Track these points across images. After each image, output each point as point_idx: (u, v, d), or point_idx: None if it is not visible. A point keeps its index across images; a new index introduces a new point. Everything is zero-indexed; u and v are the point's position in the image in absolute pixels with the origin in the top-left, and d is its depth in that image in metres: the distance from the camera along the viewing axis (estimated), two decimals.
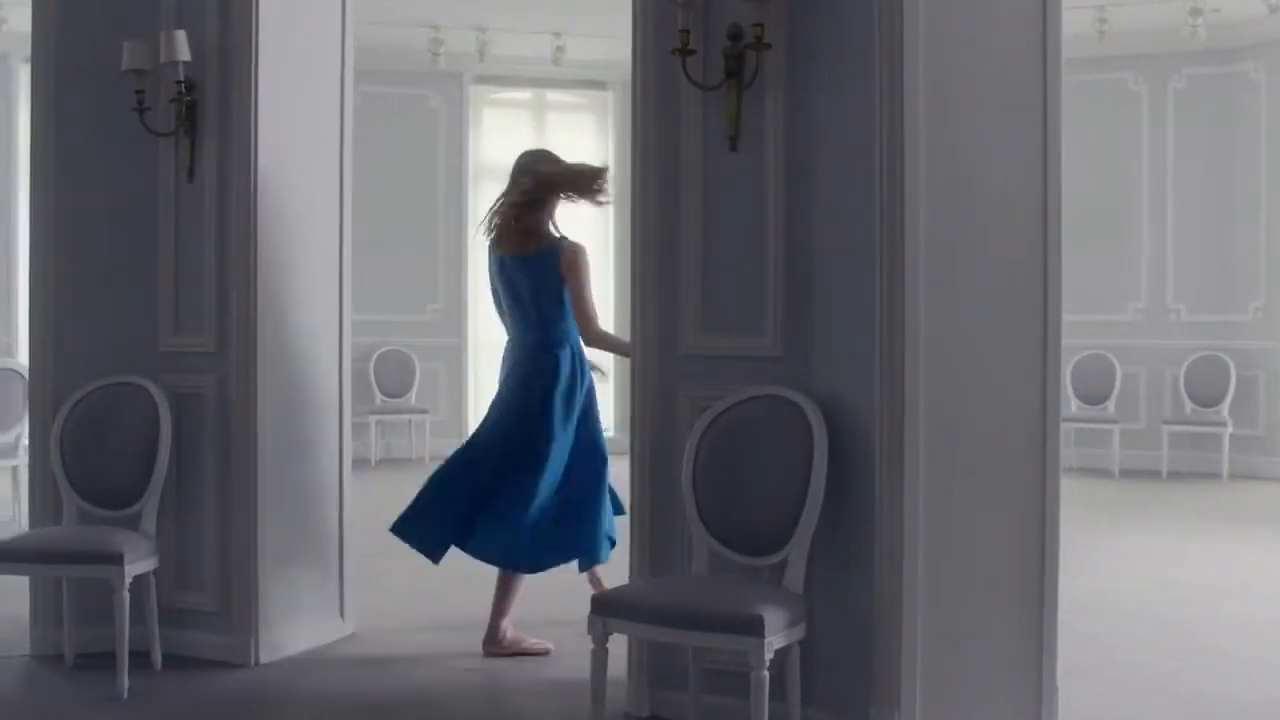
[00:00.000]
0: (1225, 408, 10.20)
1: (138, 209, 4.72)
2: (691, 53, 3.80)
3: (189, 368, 4.68)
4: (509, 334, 4.92)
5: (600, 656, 3.46)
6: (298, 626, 4.75)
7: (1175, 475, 10.14)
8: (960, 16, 3.56)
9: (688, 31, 3.79)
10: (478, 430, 4.88)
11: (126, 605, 4.16)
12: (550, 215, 4.76)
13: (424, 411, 11.04)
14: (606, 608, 3.46)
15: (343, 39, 4.98)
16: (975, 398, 3.61)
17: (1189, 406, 10.38)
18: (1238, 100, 10.38)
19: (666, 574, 3.92)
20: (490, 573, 4.87)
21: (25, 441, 7.31)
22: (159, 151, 4.70)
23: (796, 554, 3.57)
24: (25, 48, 10.23)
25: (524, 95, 11.99)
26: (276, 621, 4.64)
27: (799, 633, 3.45)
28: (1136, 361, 10.62)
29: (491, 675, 4.50)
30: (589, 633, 3.47)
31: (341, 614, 4.99)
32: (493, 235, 4.75)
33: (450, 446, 11.76)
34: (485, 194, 11.87)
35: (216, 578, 4.63)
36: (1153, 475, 10.18)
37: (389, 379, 11.19)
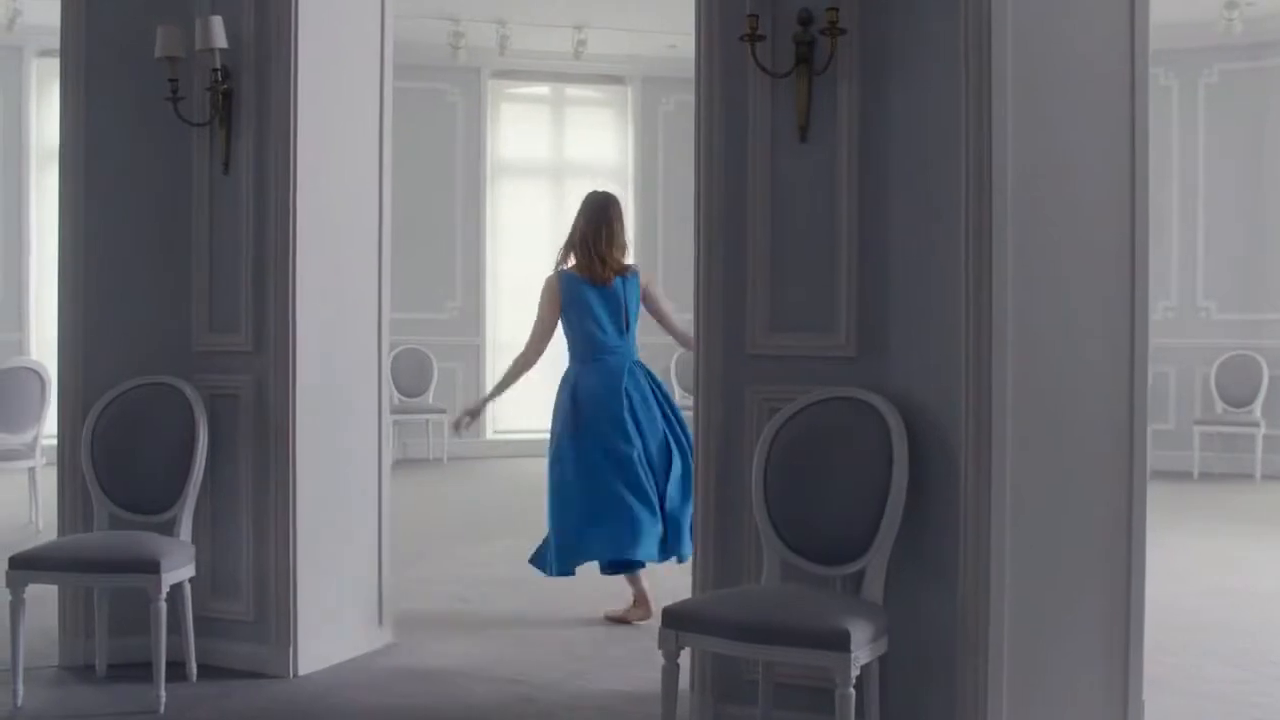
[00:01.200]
0: (1257, 408, 10.03)
1: (170, 202, 4.55)
2: (761, 38, 3.63)
3: (224, 367, 4.50)
4: (593, 352, 5.25)
5: (671, 672, 3.28)
6: (336, 636, 4.58)
7: (1206, 477, 9.97)
8: (1044, 2, 3.40)
9: (756, 16, 3.61)
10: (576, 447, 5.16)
11: (164, 615, 3.99)
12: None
13: (441, 411, 10.86)
14: (679, 620, 3.28)
15: (382, 28, 4.81)
16: (1061, 401, 3.45)
17: (1220, 407, 10.21)
18: (1270, 96, 10.21)
19: (733, 584, 3.74)
20: (520, 576, 4.93)
21: (43, 443, 7.17)
22: (193, 142, 4.52)
23: (876, 564, 3.40)
24: (39, 41, 10.16)
25: (542, 90, 11.82)
26: (315, 631, 4.46)
27: (881, 647, 3.28)
28: (1167, 361, 10.44)
29: (539, 687, 4.32)
30: (660, 647, 3.29)
31: (380, 622, 4.82)
32: (579, 264, 5.20)
33: (468, 447, 11.60)
34: (503, 191, 11.73)
35: (253, 585, 4.45)
36: (1184, 476, 10.01)
37: (406, 378, 11.01)
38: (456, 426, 5.63)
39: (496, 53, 10.74)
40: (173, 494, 4.32)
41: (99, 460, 4.38)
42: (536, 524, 5.63)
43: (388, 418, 4.87)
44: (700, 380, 3.82)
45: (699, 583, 3.83)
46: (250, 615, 4.45)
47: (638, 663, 4.62)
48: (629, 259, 5.34)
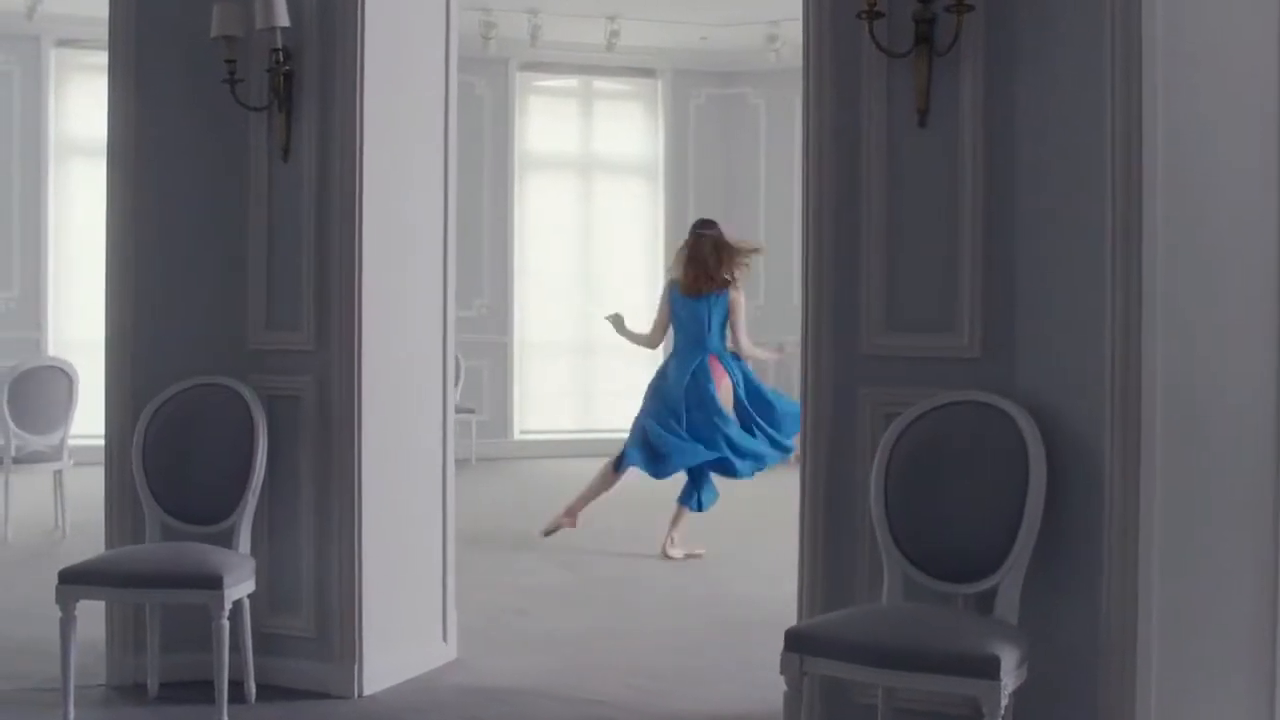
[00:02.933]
0: None
1: (225, 191, 4.27)
2: (879, 15, 3.36)
3: (283, 367, 4.23)
4: (676, 346, 6.71)
5: (795, 700, 3.03)
6: (401, 653, 4.31)
7: None
8: None
9: None
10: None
11: (226, 633, 3.73)
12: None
13: (470, 411, 10.57)
14: (804, 643, 3.02)
15: (447, 11, 4.55)
16: (1210, 410, 3.18)
17: None
18: None
19: (843, 600, 3.48)
20: (575, 587, 5.67)
21: (70, 444, 6.90)
22: (250, 127, 4.25)
23: (1010, 581, 3.14)
24: (59, 30, 9.86)
25: (570, 83, 11.53)
26: (380, 648, 4.20)
27: (1024, 673, 3.02)
28: None
29: (621, 709, 4.06)
30: (782, 672, 3.03)
31: (444, 637, 4.55)
32: (685, 277, 6.53)
33: (496, 447, 11.32)
34: (531, 186, 11.45)
35: (315, 600, 4.18)
36: None
37: None
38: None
39: (528, 43, 10.45)
40: (230, 502, 4.05)
41: (150, 467, 4.11)
42: (571, 530, 6.87)
43: (452, 419, 4.60)
44: (809, 381, 3.56)
45: (805, 597, 3.56)
46: (311, 631, 4.18)
47: (719, 678, 4.38)
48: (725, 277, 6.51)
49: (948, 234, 3.40)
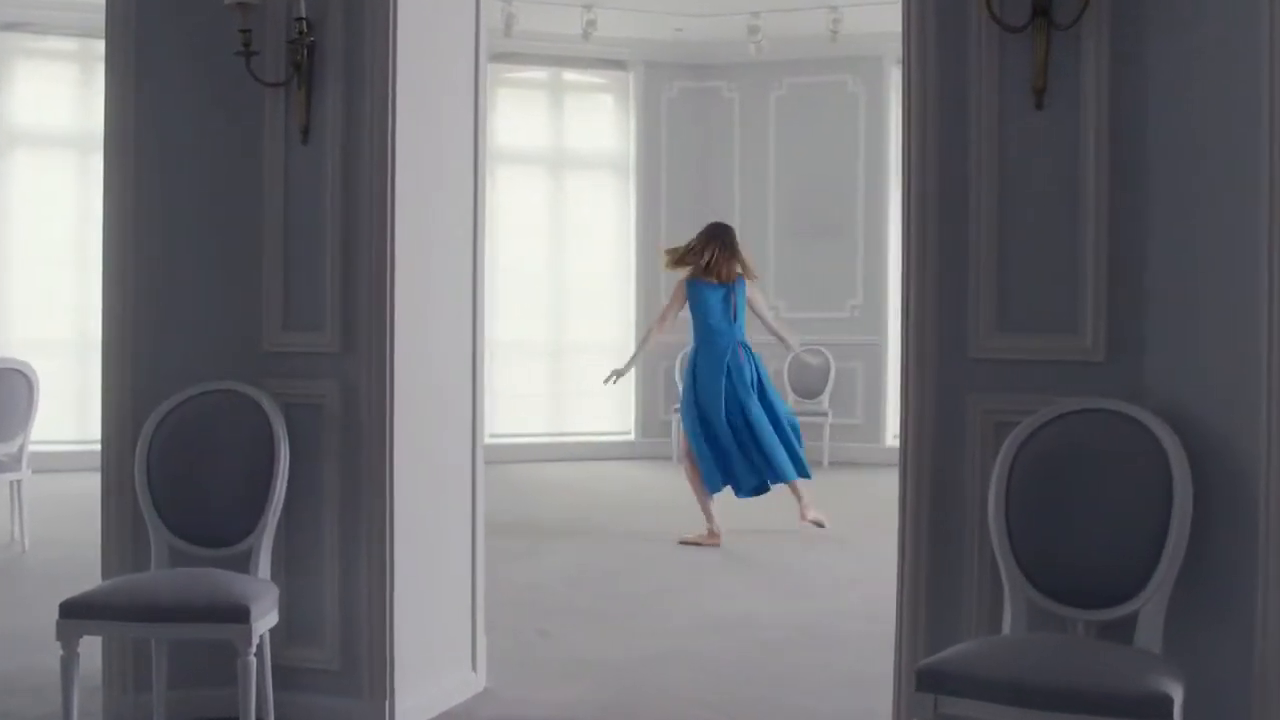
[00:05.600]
0: None
1: (237, 176, 3.85)
2: None
3: (303, 371, 3.82)
4: (714, 336, 7.09)
5: None
6: (432, 685, 3.93)
7: None
8: None
9: None
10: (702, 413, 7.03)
11: (254, 671, 3.31)
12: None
13: None
14: (938, 681, 2.69)
15: None
16: None
17: None
18: None
19: (950, 628, 3.17)
20: (588, 604, 5.38)
21: (30, 451, 6.38)
22: (265, 105, 3.83)
23: (1153, 607, 2.84)
24: (4, 12, 9.21)
25: (540, 75, 11.13)
26: (410, 680, 3.81)
27: (1181, 711, 2.72)
28: None
29: None
30: (913, 715, 2.71)
31: (474, 666, 4.17)
32: (705, 270, 7.10)
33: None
34: (500, 181, 11.02)
35: (340, 630, 3.78)
36: None
37: None
38: (606, 383, 7.64)
39: (502, 33, 10.04)
40: (247, 522, 3.63)
41: (156, 483, 3.67)
42: (563, 537, 7.13)
43: (483, 428, 4.22)
44: (909, 388, 3.24)
45: (906, 625, 3.24)
46: (336, 664, 3.78)
47: (773, 709, 4.04)
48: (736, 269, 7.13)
49: (1067, 225, 3.10)
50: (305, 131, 3.80)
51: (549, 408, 11.18)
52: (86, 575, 3.84)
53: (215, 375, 3.80)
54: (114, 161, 3.83)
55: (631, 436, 11.24)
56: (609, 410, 11.18)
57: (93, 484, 3.95)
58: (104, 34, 3.83)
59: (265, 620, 3.42)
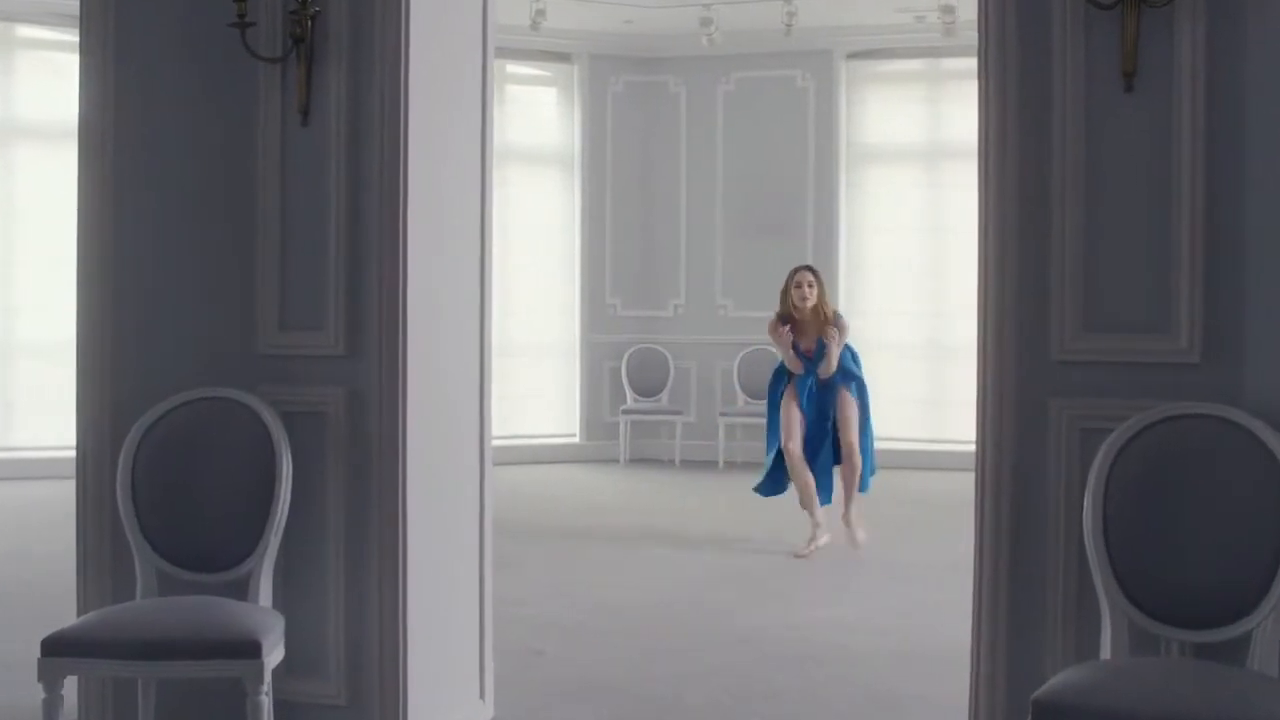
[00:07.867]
0: None
1: (229, 162, 3.49)
2: None
3: (303, 376, 3.47)
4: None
5: None
6: (442, 717, 3.60)
7: None
8: None
9: None
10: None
11: (265, 711, 2.97)
12: None
13: None
14: (1057, 715, 2.47)
15: None
16: None
17: None
18: None
19: (1034, 650, 2.95)
20: (582, 619, 5.17)
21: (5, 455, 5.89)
22: (260, 82, 3.47)
23: (1270, 627, 2.65)
24: None
25: None
26: (423, 714, 3.48)
27: None
28: None
29: None
30: None
31: (482, 694, 3.85)
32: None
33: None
34: None
35: (346, 661, 3.44)
36: None
37: None
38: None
39: None
40: (245, 544, 3.28)
41: (142, 502, 3.30)
42: (528, 543, 6.78)
43: (490, 439, 3.91)
44: (987, 391, 3.01)
45: (983, 648, 3.01)
46: (342, 699, 3.44)
47: None
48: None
49: (1160, 217, 2.89)
50: (305, 112, 3.45)
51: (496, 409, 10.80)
52: (64, 596, 3.45)
53: (204, 381, 3.44)
54: (89, 139, 3.46)
55: (577, 439, 10.92)
56: (553, 412, 10.85)
57: (67, 490, 3.56)
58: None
59: (275, 654, 3.08)
